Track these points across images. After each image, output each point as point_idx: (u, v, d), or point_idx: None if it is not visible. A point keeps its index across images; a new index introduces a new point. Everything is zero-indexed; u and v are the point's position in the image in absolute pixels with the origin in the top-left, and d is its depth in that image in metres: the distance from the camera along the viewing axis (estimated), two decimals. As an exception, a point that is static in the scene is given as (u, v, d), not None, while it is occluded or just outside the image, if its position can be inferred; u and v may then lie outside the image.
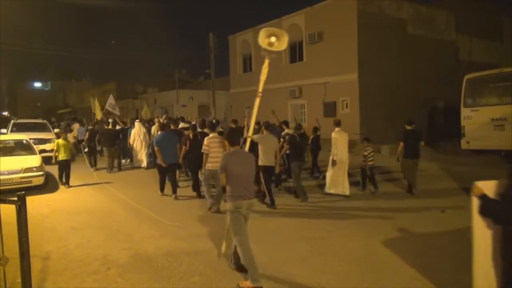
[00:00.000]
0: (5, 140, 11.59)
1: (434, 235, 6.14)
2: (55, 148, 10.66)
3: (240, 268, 4.65)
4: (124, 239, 6.14)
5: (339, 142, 8.79)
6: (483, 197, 3.45)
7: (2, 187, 9.07)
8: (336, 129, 8.99)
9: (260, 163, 7.81)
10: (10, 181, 9.38)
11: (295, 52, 21.98)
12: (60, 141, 10.67)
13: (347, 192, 8.75)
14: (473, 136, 12.67)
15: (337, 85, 19.00)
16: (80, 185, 10.70)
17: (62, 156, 10.49)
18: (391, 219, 7.04)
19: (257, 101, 5.51)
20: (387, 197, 8.88)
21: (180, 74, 40.63)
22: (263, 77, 5.40)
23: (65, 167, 10.60)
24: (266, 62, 5.35)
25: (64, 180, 10.62)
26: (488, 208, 3.43)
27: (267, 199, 8.08)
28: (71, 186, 10.48)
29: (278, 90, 22.60)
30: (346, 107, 18.83)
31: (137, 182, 11.36)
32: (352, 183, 9.34)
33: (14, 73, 62.46)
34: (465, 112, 13.15)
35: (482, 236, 3.58)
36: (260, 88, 5.58)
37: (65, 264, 5.12)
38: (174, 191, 9.07)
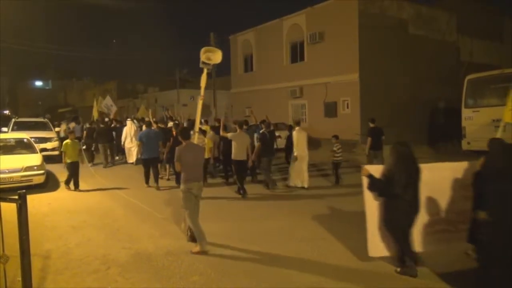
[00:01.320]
0: (6, 139, 11.59)
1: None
2: (64, 150, 9.90)
3: (193, 238, 5.63)
4: (124, 238, 6.14)
5: (299, 140, 9.65)
6: (370, 177, 4.59)
7: (2, 186, 9.09)
8: (297, 128, 9.92)
9: (233, 157, 9.04)
10: (11, 180, 9.39)
11: (296, 52, 22.00)
12: (68, 141, 9.94)
13: (306, 185, 9.67)
14: (474, 137, 12.64)
15: (338, 85, 19.00)
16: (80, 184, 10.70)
17: (70, 157, 9.80)
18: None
19: (200, 103, 6.69)
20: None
21: (181, 73, 40.58)
22: (203, 84, 6.57)
23: (74, 169, 9.85)
24: (205, 72, 6.63)
25: (71, 184, 9.94)
26: (373, 185, 4.56)
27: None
28: (81, 190, 9.90)
29: (279, 90, 22.63)
30: (347, 107, 18.83)
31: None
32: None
33: (15, 72, 62.47)
34: (466, 112, 13.14)
35: (371, 205, 4.74)
36: (202, 92, 6.67)
37: (65, 263, 5.13)
38: (156, 181, 10.09)
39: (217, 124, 12.20)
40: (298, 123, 10.21)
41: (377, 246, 4.76)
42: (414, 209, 4.50)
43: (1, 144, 11.03)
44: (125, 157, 14.84)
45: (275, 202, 8.62)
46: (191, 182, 5.57)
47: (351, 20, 18.01)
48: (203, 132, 9.92)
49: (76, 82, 61.48)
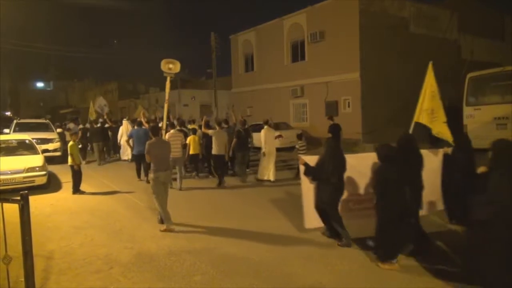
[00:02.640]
0: (8, 140, 11.63)
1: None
2: (71, 152, 9.69)
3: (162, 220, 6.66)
4: (127, 238, 6.16)
5: (267, 137, 10.62)
6: (305, 165, 5.65)
7: (5, 187, 9.12)
8: (265, 126, 10.83)
9: (212, 152, 10.34)
10: (13, 181, 9.42)
11: (296, 51, 21.97)
12: (73, 143, 9.87)
13: (272, 178, 10.59)
14: (475, 135, 12.55)
15: (339, 84, 18.98)
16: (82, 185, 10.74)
17: (78, 160, 9.77)
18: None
19: (166, 106, 8.25)
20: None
21: (182, 73, 40.61)
22: (167, 89, 8.14)
23: (78, 173, 9.81)
24: (168, 79, 8.08)
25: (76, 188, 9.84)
26: (308, 171, 5.62)
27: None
28: (83, 192, 9.82)
29: (280, 89, 22.62)
30: (348, 106, 18.80)
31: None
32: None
33: (17, 73, 62.59)
34: (467, 111, 13.11)
35: (307, 187, 5.78)
36: (167, 96, 8.24)
37: (68, 263, 5.15)
38: (146, 175, 10.71)
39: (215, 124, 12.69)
40: (266, 122, 11.01)
41: (311, 220, 5.82)
42: (339, 191, 5.53)
43: (3, 145, 11.07)
44: (120, 155, 15.92)
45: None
46: (158, 171, 6.53)
47: (352, 19, 17.98)
48: (193, 131, 11.42)
49: (77, 83, 61.56)
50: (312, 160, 5.73)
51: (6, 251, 3.30)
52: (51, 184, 10.63)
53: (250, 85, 25.41)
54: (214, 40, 28.22)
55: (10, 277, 3.43)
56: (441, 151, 6.28)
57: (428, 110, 7.10)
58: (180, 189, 9.87)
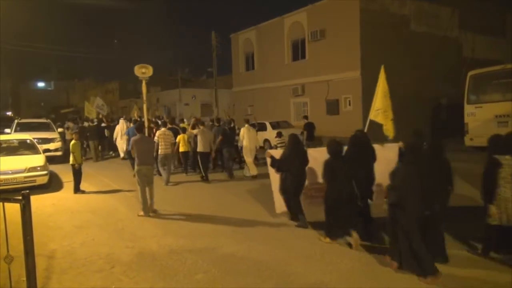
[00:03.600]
0: (9, 140, 11.64)
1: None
2: (73, 150, 9.63)
3: (153, 210, 7.52)
4: (128, 238, 6.17)
5: (247, 135, 11.28)
6: (271, 157, 6.58)
7: (6, 187, 9.14)
8: (246, 125, 11.57)
9: (198, 149, 10.91)
10: (14, 181, 9.43)
11: (297, 50, 21.96)
12: (74, 142, 9.83)
13: (254, 173, 11.14)
14: (477, 133, 12.60)
15: (340, 82, 18.96)
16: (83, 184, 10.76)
17: (79, 159, 9.67)
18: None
19: (144, 107, 9.67)
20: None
21: (183, 73, 40.63)
22: (144, 90, 9.43)
23: (79, 172, 9.73)
24: (144, 83, 9.30)
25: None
26: (273, 163, 6.54)
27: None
28: (84, 192, 9.78)
29: (281, 88, 22.60)
30: (349, 104, 18.79)
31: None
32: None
33: (18, 73, 62.67)
34: (468, 108, 13.09)
35: (274, 177, 6.73)
36: (144, 97, 9.70)
37: (70, 263, 5.15)
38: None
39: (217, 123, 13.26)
40: (247, 121, 11.99)
41: (280, 205, 6.73)
42: (300, 181, 6.36)
43: (5, 145, 11.08)
44: (118, 153, 16.17)
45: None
46: (141, 165, 7.33)
47: (353, 17, 17.96)
48: (183, 130, 12.22)
49: (78, 82, 61.63)
50: (277, 153, 6.71)
51: (8, 250, 3.30)
52: (52, 184, 10.64)
53: (251, 84, 25.39)
54: (215, 39, 28.23)
55: (12, 276, 3.43)
56: (396, 146, 6.55)
57: (381, 109, 7.76)
58: (167, 184, 10.42)
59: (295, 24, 21.79)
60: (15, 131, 15.76)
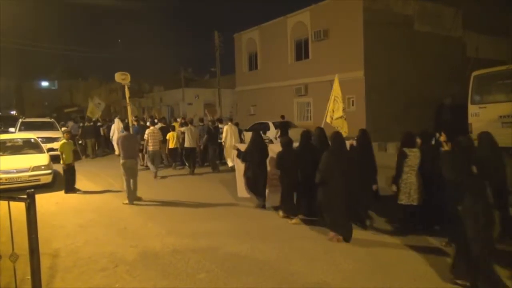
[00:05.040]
0: (13, 139, 11.72)
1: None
2: (61, 150, 9.66)
3: (138, 198, 8.68)
4: (131, 237, 6.19)
5: (230, 133, 12.50)
6: (238, 150, 7.85)
7: (10, 185, 9.20)
8: (229, 123, 12.96)
9: (185, 145, 12.45)
10: (19, 180, 9.49)
11: (300, 50, 21.92)
12: (64, 141, 9.86)
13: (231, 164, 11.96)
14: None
15: (343, 82, 18.72)
16: (87, 184, 10.81)
17: (68, 159, 9.65)
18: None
19: (129, 109, 11.03)
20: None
21: (186, 72, 40.69)
22: (127, 94, 10.72)
23: (67, 172, 9.71)
24: (126, 87, 10.64)
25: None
26: (239, 154, 7.77)
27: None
28: (86, 192, 9.82)
29: (284, 88, 22.59)
30: (352, 104, 18.74)
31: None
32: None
33: (22, 73, 62.94)
34: (472, 109, 13.00)
35: (239, 166, 7.96)
36: (128, 101, 10.95)
37: (74, 261, 5.18)
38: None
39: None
40: (230, 120, 13.67)
41: (242, 191, 7.96)
42: (262, 170, 7.52)
43: (9, 144, 11.15)
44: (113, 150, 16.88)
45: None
46: (125, 158, 8.37)
47: (356, 17, 17.92)
48: (172, 128, 13.35)
49: (82, 82, 61.79)
50: (242, 147, 7.97)
51: (13, 249, 3.32)
52: (56, 183, 10.67)
53: (254, 84, 25.39)
54: (218, 38, 28.25)
55: (17, 274, 3.46)
56: (348, 142, 7.07)
57: (331, 111, 9.51)
58: (155, 177, 11.54)
59: (298, 24, 21.76)
60: (20, 130, 15.86)
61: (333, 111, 9.41)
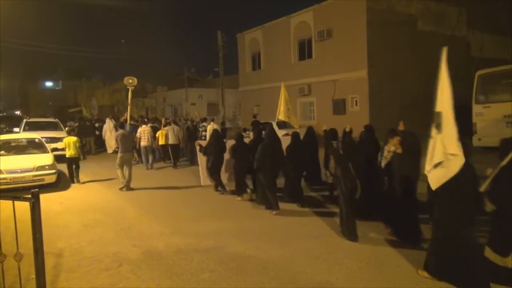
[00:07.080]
0: (18, 139, 11.76)
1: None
2: (64, 145, 10.99)
3: (128, 187, 9.91)
4: (135, 236, 6.20)
5: (211, 131, 13.13)
6: (199, 145, 9.75)
7: (15, 185, 9.24)
8: (212, 122, 14.65)
9: (169, 142, 13.96)
10: (23, 179, 9.52)
11: (303, 49, 21.90)
12: (69, 138, 11.08)
13: None
14: (485, 133, 12.48)
15: (346, 82, 18.90)
16: (91, 183, 10.87)
17: (70, 153, 10.86)
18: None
19: (129, 109, 13.57)
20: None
21: (189, 72, 40.73)
22: (130, 96, 12.43)
23: (74, 164, 11.03)
24: (130, 90, 12.25)
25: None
26: (201, 149, 9.53)
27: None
28: (84, 182, 10.95)
29: (287, 87, 22.28)
30: (356, 104, 18.72)
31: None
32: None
33: (26, 73, 63.26)
34: (476, 108, 12.96)
35: (201, 159, 9.88)
36: (129, 101, 13.43)
37: (78, 261, 5.20)
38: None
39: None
40: (212, 120, 15.46)
41: (205, 179, 9.82)
42: (219, 161, 9.20)
43: (14, 144, 11.19)
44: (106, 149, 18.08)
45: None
46: (123, 152, 9.74)
47: (359, 16, 17.88)
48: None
49: (85, 82, 62.04)
50: (203, 143, 9.78)
51: (17, 248, 3.34)
52: (61, 183, 10.72)
53: (257, 84, 25.38)
54: (221, 38, 28.26)
55: (22, 274, 3.47)
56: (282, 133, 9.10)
57: (284, 110, 11.52)
58: (147, 169, 13.31)
59: (301, 23, 21.74)
60: (24, 130, 15.92)
61: (288, 110, 11.69)
